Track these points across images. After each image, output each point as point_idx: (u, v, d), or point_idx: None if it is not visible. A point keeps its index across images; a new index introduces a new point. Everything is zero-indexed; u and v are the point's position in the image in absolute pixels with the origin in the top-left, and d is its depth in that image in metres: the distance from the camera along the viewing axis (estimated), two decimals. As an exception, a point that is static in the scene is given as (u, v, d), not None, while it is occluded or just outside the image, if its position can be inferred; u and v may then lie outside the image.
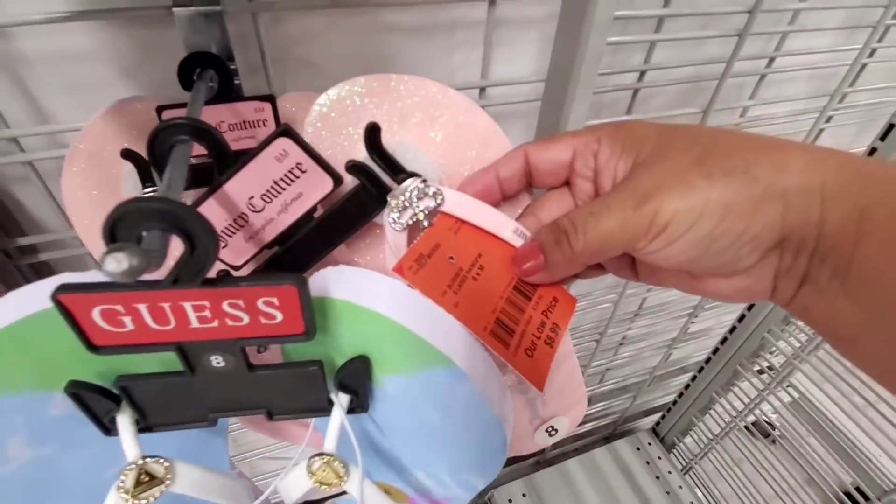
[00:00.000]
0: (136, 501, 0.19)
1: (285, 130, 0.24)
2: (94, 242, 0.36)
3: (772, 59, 0.55)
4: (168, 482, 0.20)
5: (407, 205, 0.23)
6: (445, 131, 0.27)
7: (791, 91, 0.64)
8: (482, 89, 0.47)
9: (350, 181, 0.24)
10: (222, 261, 0.26)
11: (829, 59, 0.60)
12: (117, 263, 0.12)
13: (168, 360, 0.19)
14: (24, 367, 0.19)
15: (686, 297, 0.85)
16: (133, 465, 0.19)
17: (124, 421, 0.20)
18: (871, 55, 0.58)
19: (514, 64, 0.48)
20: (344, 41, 0.41)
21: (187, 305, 0.17)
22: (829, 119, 0.63)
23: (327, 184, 0.24)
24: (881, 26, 0.53)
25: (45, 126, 0.37)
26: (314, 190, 0.25)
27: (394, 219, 0.23)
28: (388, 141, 0.25)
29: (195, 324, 0.18)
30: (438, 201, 0.23)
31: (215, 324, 0.18)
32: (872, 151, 0.51)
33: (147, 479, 0.19)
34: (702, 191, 0.19)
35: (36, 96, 0.37)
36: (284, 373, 0.21)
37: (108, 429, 0.20)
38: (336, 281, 0.20)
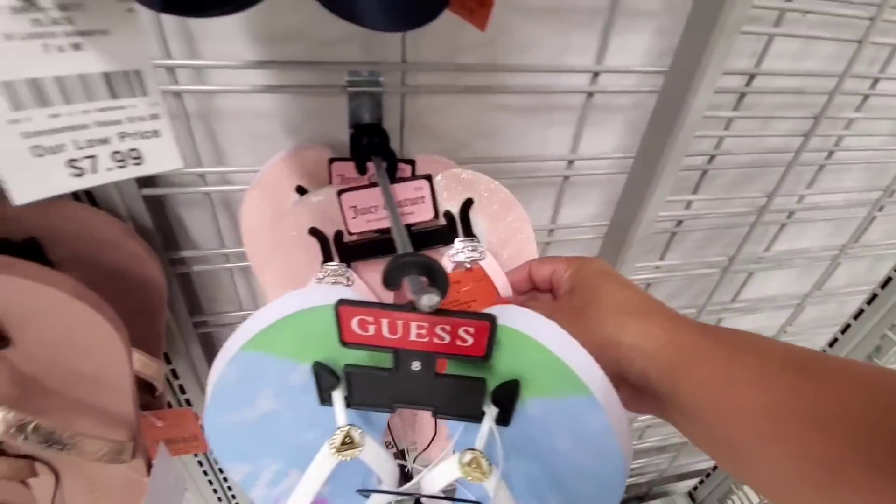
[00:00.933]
0: (339, 456, 0.25)
1: (428, 177, 0.40)
2: (255, 250, 0.44)
3: (831, 153, 0.61)
4: (361, 448, 0.26)
5: (461, 250, 0.41)
6: (502, 225, 0.43)
7: (847, 179, 0.69)
8: (570, 162, 0.54)
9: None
10: (345, 223, 0.39)
11: (881, 156, 0.66)
12: (429, 300, 0.19)
13: (377, 358, 0.26)
14: (292, 340, 0.25)
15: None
16: (343, 429, 0.25)
17: (338, 396, 0.26)
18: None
19: (599, 141, 0.55)
20: (462, 114, 0.49)
21: (414, 324, 0.24)
22: (881, 208, 0.68)
23: (430, 214, 0.41)
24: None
25: (223, 167, 0.46)
26: (421, 214, 0.40)
27: (451, 254, 0.41)
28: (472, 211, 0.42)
29: (413, 337, 0.24)
30: (479, 256, 0.40)
31: (426, 339, 0.24)
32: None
33: (348, 441, 0.26)
34: (573, 325, 0.27)
35: (219, 141, 0.46)
36: (457, 382, 0.26)
37: (323, 399, 0.27)
38: (505, 315, 0.26)
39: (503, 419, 0.27)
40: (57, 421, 0.33)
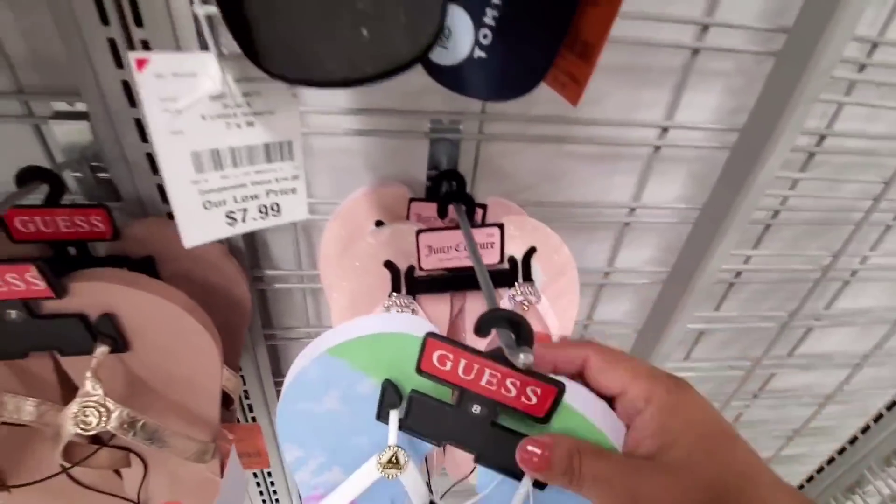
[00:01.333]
0: (383, 472, 0.28)
1: (501, 225, 0.42)
2: (329, 274, 0.48)
3: (899, 215, 0.60)
4: (403, 471, 0.28)
5: (518, 291, 0.44)
6: (552, 268, 0.46)
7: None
8: (632, 209, 0.56)
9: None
10: (419, 260, 0.41)
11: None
12: (525, 357, 0.22)
13: (440, 392, 0.28)
14: (369, 356, 0.28)
15: (784, 418, 0.85)
16: (392, 448, 0.28)
17: (395, 416, 0.28)
18: None
19: (661, 190, 0.56)
20: (530, 160, 0.52)
21: (488, 371, 0.26)
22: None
23: (496, 258, 0.43)
24: None
25: (310, 199, 0.50)
26: (488, 258, 0.43)
27: (511, 295, 0.44)
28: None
29: (483, 383, 0.26)
30: (534, 300, 0.44)
31: (494, 388, 0.26)
32: None
33: (394, 461, 0.28)
34: None
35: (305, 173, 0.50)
36: (509, 435, 0.27)
37: (381, 415, 0.28)
38: (569, 389, 0.26)
39: (541, 483, 0.28)
40: (155, 419, 0.37)
